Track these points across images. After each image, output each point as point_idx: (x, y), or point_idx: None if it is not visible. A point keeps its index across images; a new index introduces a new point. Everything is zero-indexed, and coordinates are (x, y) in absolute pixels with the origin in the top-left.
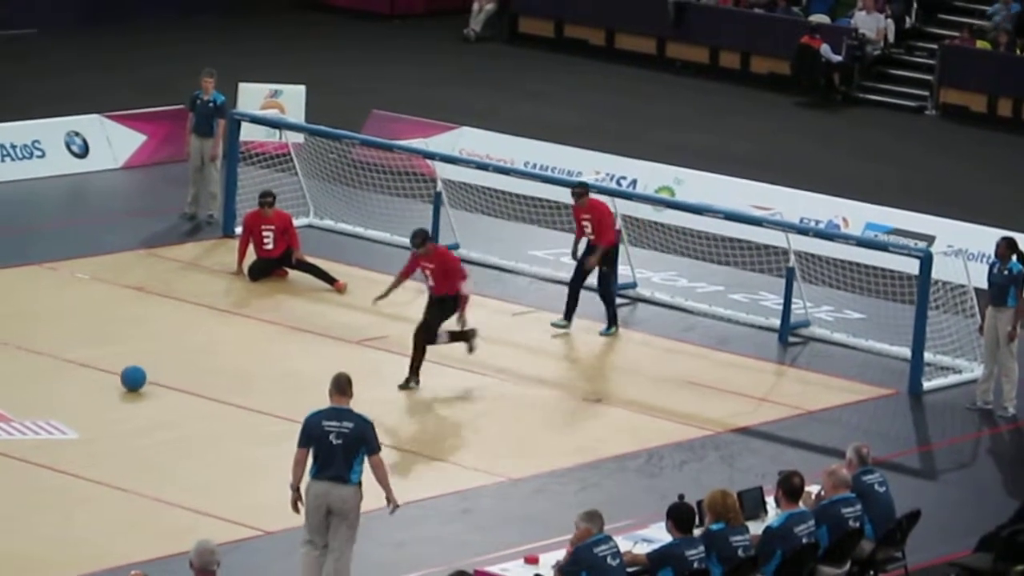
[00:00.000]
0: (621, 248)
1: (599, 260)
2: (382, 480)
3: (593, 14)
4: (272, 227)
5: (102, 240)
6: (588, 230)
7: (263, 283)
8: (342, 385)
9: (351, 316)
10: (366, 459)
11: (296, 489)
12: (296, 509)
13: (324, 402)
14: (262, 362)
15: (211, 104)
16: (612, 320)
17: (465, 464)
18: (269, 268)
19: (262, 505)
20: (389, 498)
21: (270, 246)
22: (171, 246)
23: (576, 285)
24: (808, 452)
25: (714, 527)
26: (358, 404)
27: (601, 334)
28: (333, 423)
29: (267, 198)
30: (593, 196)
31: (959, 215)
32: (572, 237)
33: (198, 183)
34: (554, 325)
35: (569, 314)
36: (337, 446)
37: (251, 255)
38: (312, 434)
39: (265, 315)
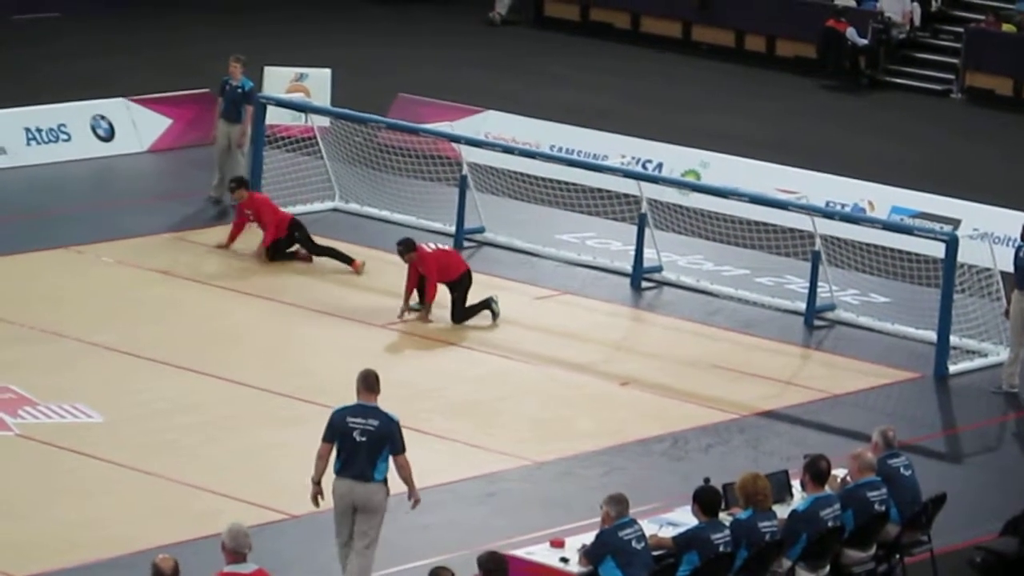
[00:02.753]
0: (647, 232)
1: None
2: (407, 480)
3: None
4: (251, 211)
5: (128, 224)
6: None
7: (287, 266)
8: (370, 382)
9: (376, 300)
10: (391, 458)
11: (317, 483)
12: (315, 503)
13: (349, 384)
14: (287, 345)
15: (239, 90)
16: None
17: (490, 448)
18: (281, 249)
19: (288, 488)
20: (412, 494)
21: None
22: (197, 230)
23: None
24: (833, 436)
25: (742, 516)
26: (385, 385)
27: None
28: (358, 420)
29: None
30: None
31: (985, 198)
32: (597, 221)
33: (224, 168)
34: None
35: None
36: (361, 444)
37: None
38: (337, 430)
39: (291, 298)
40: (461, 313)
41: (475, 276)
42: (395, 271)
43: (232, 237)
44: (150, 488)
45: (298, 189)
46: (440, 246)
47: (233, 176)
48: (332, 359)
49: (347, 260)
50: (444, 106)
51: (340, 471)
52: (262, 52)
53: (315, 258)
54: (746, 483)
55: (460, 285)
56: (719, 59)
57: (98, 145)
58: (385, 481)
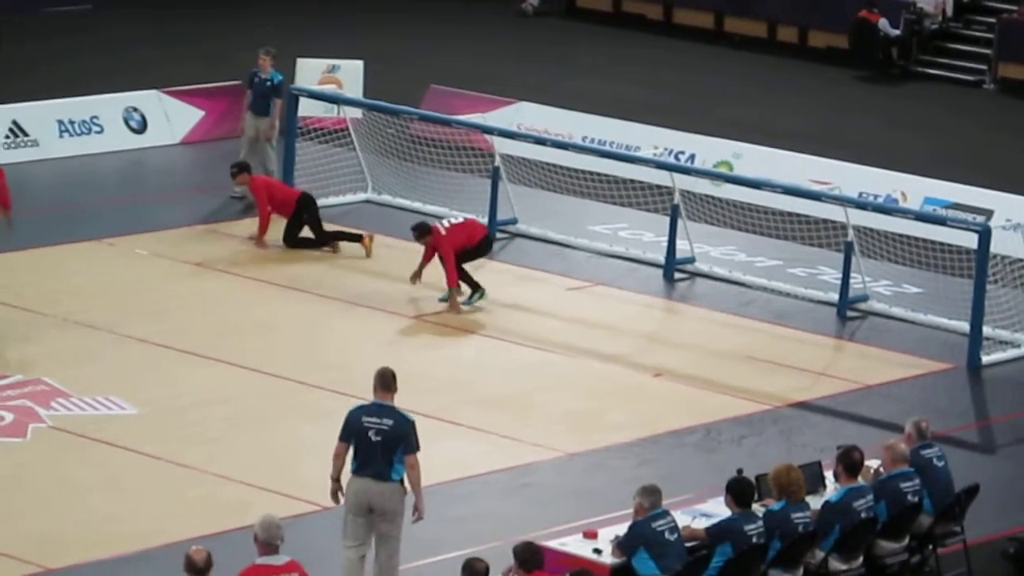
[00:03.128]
0: (679, 223)
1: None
2: (414, 482)
3: None
4: (253, 197)
5: (160, 216)
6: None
7: (318, 258)
8: (387, 381)
9: (408, 290)
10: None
11: (336, 479)
12: (336, 499)
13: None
14: (320, 337)
15: (268, 83)
16: (472, 289)
17: (523, 439)
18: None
19: (319, 480)
20: (417, 505)
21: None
22: (230, 222)
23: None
24: (867, 426)
25: (775, 507)
26: (417, 377)
27: (464, 304)
28: (373, 419)
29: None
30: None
31: (1018, 189)
32: (629, 212)
33: (249, 158)
34: (466, 303)
35: (473, 285)
36: (376, 443)
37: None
38: (352, 429)
39: (323, 290)
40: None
41: (508, 268)
42: (431, 264)
43: (262, 228)
44: (182, 480)
45: (331, 181)
46: (454, 221)
47: (234, 163)
48: (364, 351)
49: (356, 238)
50: (476, 97)
51: (357, 470)
52: (294, 44)
53: (340, 245)
54: (779, 474)
55: (478, 252)
56: (751, 50)
57: (131, 137)
58: (402, 482)
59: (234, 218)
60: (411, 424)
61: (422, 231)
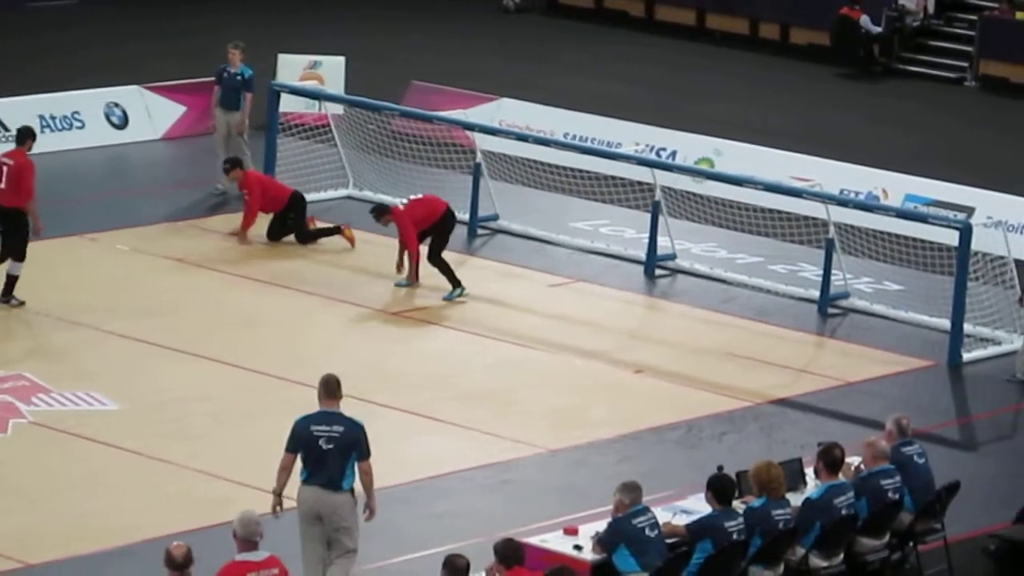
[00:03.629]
0: (661, 219)
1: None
2: (367, 487)
3: None
4: (245, 192)
5: (142, 211)
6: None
7: (299, 253)
8: (331, 388)
9: (390, 287)
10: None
11: (278, 494)
12: (274, 513)
13: (363, 372)
14: (301, 333)
15: (238, 77)
16: (453, 284)
17: (504, 435)
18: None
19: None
20: (369, 504)
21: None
22: (211, 217)
23: (437, 258)
24: (847, 424)
25: (756, 504)
26: (398, 372)
27: (444, 299)
28: (323, 427)
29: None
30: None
31: (999, 186)
32: (610, 208)
33: (225, 153)
34: (446, 299)
35: (454, 281)
36: (327, 451)
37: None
38: (300, 439)
39: (305, 286)
40: (438, 260)
41: (490, 264)
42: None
43: (248, 223)
44: (163, 476)
45: (312, 177)
46: (413, 197)
47: (227, 157)
48: (346, 346)
49: (336, 231)
50: (458, 94)
51: (307, 479)
52: (276, 40)
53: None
54: (760, 471)
55: (443, 228)
56: (733, 47)
57: (112, 133)
58: (352, 491)
59: (215, 213)
60: (361, 428)
61: (380, 211)
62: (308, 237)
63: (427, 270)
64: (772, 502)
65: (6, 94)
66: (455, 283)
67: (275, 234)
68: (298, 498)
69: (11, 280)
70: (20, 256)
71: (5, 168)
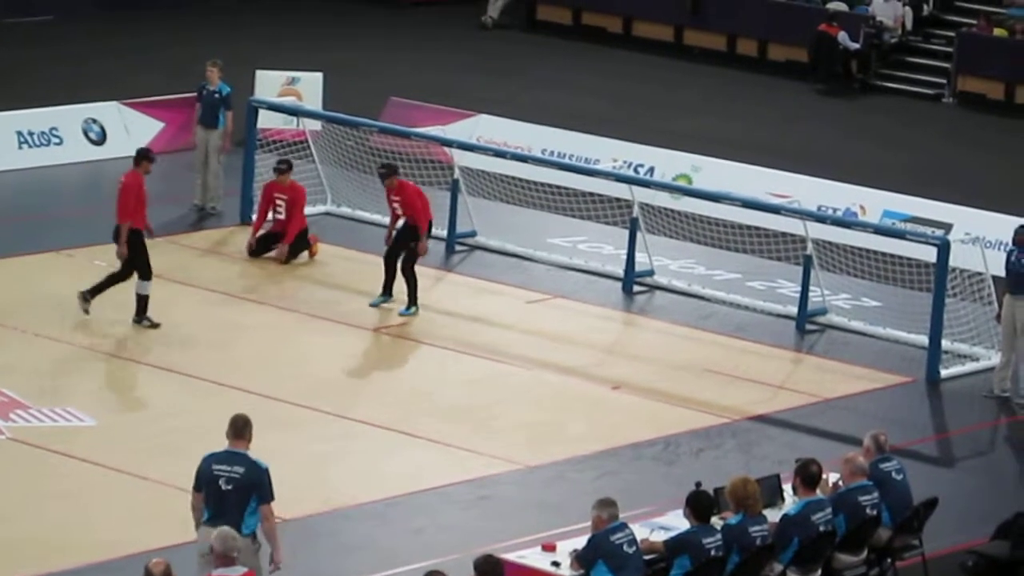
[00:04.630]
0: (639, 236)
1: (426, 244)
2: (269, 534)
3: (611, 1)
4: (284, 197)
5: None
6: (398, 211)
7: (280, 270)
8: (238, 427)
9: (368, 303)
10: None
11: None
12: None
13: (342, 388)
14: (280, 349)
15: (216, 94)
16: (412, 300)
17: (482, 451)
18: (268, 245)
19: (278, 492)
20: (274, 557)
21: (281, 215)
22: (189, 233)
23: (392, 260)
24: (825, 440)
25: (732, 521)
26: (376, 388)
27: (401, 314)
28: (224, 467)
29: (281, 165)
30: (402, 179)
31: (976, 203)
32: (588, 225)
33: (205, 174)
34: (372, 305)
35: (388, 288)
36: (227, 492)
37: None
38: (204, 478)
39: (283, 303)
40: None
41: (468, 280)
42: (374, 274)
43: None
44: (142, 492)
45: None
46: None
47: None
48: (325, 363)
49: (306, 245)
50: (436, 110)
51: (207, 520)
52: (254, 56)
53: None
54: (736, 488)
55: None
56: (711, 63)
57: (90, 149)
58: (254, 536)
59: (193, 229)
60: (265, 472)
61: (391, 171)
62: (289, 256)
63: (404, 285)
64: (749, 518)
65: None
66: (414, 300)
67: (258, 252)
68: (198, 538)
69: (142, 300)
70: (146, 274)
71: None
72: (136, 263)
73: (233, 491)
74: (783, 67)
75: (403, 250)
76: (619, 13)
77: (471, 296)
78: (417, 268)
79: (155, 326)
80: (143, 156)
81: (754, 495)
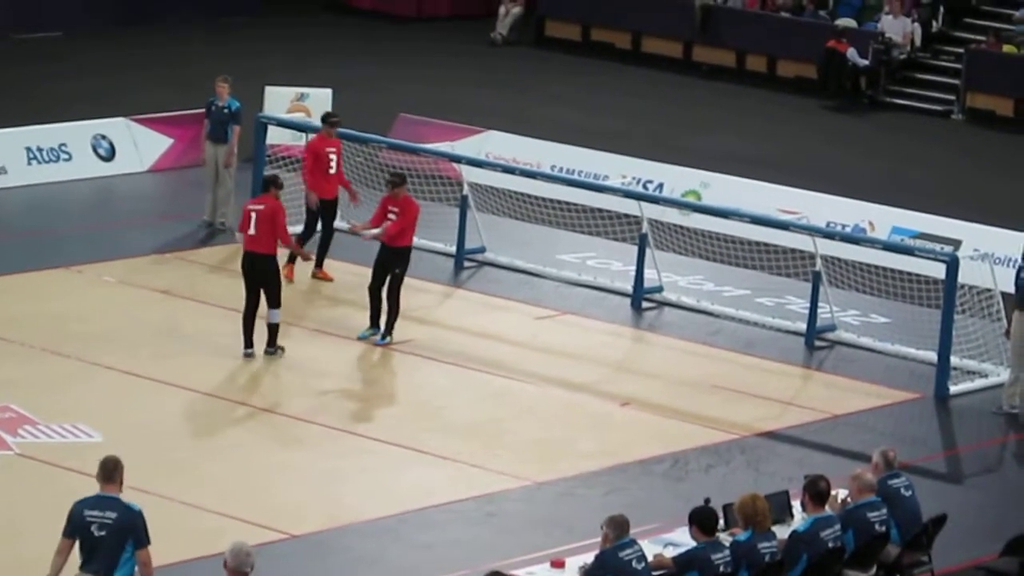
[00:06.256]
0: (648, 252)
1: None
2: None
3: (620, 18)
4: (334, 150)
5: (129, 243)
6: (388, 221)
7: (288, 286)
8: (107, 470)
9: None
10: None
11: None
12: None
13: (351, 405)
14: (288, 365)
15: (225, 110)
16: (389, 329)
17: (491, 468)
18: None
19: (287, 508)
20: None
21: (333, 170)
22: (197, 249)
23: (377, 289)
24: (834, 456)
25: (741, 537)
26: (384, 404)
27: (376, 344)
28: (95, 513)
29: (395, 178)
30: (408, 193)
31: (985, 219)
32: (597, 241)
33: (215, 189)
34: (360, 337)
35: (375, 320)
36: (100, 538)
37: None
38: (75, 523)
39: (290, 317)
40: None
41: (476, 297)
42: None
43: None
44: (151, 508)
45: (299, 209)
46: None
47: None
48: (334, 379)
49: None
50: (445, 126)
51: (82, 566)
52: (263, 72)
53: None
54: (745, 504)
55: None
56: (720, 79)
57: (99, 165)
58: None
59: (201, 245)
60: (138, 515)
61: (400, 180)
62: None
63: (413, 302)
64: (758, 535)
65: None
66: (390, 330)
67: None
68: None
69: (273, 329)
70: (277, 303)
71: (254, 214)
72: (273, 290)
73: (107, 537)
74: (792, 83)
75: (386, 277)
76: (628, 29)
77: (480, 312)
78: (426, 284)
79: (282, 351)
80: (271, 182)
81: (763, 512)
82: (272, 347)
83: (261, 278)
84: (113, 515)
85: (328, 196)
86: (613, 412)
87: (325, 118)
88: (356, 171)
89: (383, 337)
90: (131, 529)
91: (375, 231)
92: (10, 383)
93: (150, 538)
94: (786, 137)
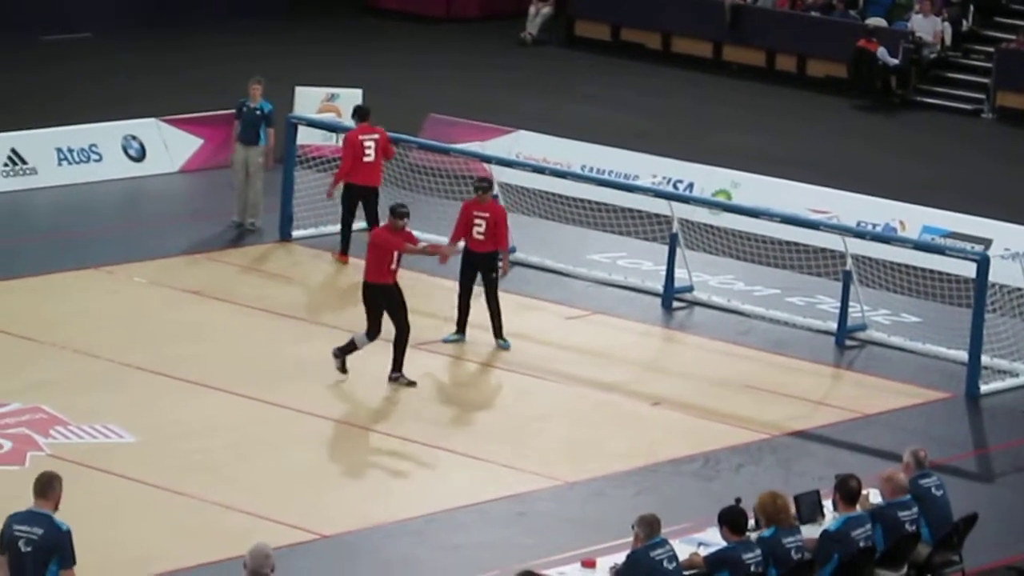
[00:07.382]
0: (678, 251)
1: (507, 266)
2: None
3: (649, 17)
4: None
5: (159, 244)
6: (480, 229)
7: (320, 288)
8: (41, 485)
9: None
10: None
11: None
12: None
13: (381, 405)
14: (320, 366)
15: (258, 112)
16: (500, 331)
17: (521, 468)
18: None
19: (318, 508)
20: None
21: (371, 157)
22: (228, 249)
23: (467, 295)
24: (865, 455)
25: (765, 533)
26: (415, 406)
27: (501, 347)
28: (24, 528)
29: (483, 183)
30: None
31: (1016, 218)
32: (628, 241)
33: (245, 190)
34: (446, 340)
35: (462, 326)
36: (26, 554)
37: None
38: (4, 538)
39: (324, 319)
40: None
41: (507, 296)
42: (425, 293)
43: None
44: (181, 508)
45: (330, 209)
46: None
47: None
48: (364, 380)
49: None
50: (475, 126)
51: None
52: (293, 72)
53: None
54: (765, 503)
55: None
56: (750, 79)
57: (129, 165)
58: None
59: (232, 245)
60: (66, 534)
61: (488, 187)
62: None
63: (444, 302)
64: (782, 530)
65: (23, 127)
66: (501, 332)
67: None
68: None
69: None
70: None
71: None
72: (402, 315)
73: (32, 553)
74: (822, 83)
75: (476, 281)
76: (658, 29)
77: (511, 312)
78: (456, 285)
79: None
80: (391, 212)
81: (784, 508)
82: (397, 374)
83: (388, 304)
84: (40, 531)
85: (369, 183)
86: (644, 412)
87: (356, 111)
88: (387, 171)
89: (505, 340)
90: (56, 548)
91: (457, 247)
92: (41, 384)
93: (75, 559)
94: (816, 137)
